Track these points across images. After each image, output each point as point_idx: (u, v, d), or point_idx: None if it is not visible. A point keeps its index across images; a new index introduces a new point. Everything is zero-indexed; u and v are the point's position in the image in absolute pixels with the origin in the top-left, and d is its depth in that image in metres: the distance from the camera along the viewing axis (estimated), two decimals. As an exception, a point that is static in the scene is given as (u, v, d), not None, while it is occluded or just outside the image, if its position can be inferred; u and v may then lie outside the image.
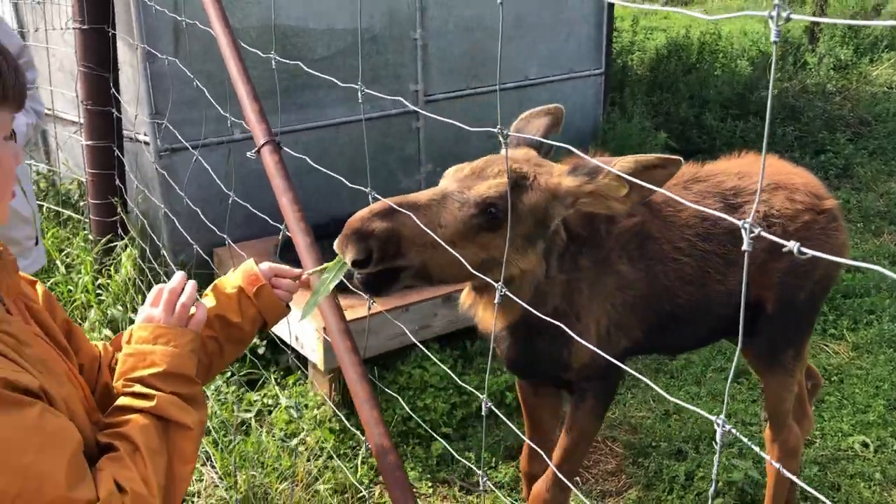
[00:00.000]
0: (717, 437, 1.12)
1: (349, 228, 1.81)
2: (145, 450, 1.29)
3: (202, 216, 3.11)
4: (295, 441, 3.51)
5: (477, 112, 5.38)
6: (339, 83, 2.23)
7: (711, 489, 1.22)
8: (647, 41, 9.49)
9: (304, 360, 3.97)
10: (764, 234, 0.94)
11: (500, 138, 1.57)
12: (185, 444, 1.35)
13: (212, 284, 1.71)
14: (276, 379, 3.93)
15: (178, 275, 1.52)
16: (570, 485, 1.87)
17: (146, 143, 4.32)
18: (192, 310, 1.49)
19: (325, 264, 1.81)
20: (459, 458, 2.39)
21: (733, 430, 1.06)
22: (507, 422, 1.96)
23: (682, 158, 1.88)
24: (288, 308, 1.76)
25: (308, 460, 3.30)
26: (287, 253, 3.98)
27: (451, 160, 5.46)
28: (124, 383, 1.38)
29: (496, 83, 5.41)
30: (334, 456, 3.40)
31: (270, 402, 3.78)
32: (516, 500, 3.31)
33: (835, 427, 3.65)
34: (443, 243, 1.85)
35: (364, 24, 4.72)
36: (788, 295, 2.59)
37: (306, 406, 3.76)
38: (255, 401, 3.74)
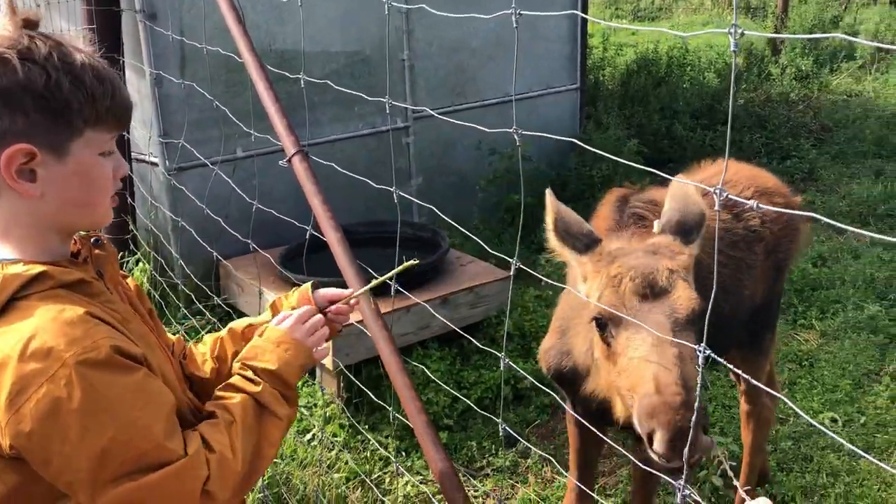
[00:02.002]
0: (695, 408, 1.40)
1: (684, 427, 1.66)
2: (241, 424, 1.51)
3: (224, 225, 3.34)
4: (308, 436, 3.75)
5: (463, 127, 5.67)
6: (365, 97, 2.47)
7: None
8: (617, 57, 9.88)
9: (310, 363, 4.20)
10: (732, 196, 1.22)
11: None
12: (274, 430, 1.56)
13: (270, 302, 1.91)
14: (284, 381, 4.16)
15: (310, 308, 1.74)
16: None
17: (153, 164, 4.55)
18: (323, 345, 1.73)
19: (373, 283, 1.91)
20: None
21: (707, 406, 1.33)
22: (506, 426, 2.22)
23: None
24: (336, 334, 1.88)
25: (321, 453, 3.54)
26: (290, 261, 4.24)
27: (438, 172, 5.76)
28: (241, 366, 1.61)
29: (479, 99, 5.73)
30: (345, 449, 3.64)
31: (281, 402, 4.00)
32: (515, 483, 3.57)
33: (806, 406, 3.96)
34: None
35: (355, 47, 5.02)
36: (772, 287, 2.91)
37: (316, 405, 3.99)
38: (266, 401, 3.97)
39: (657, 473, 1.74)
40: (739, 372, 1.47)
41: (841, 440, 3.52)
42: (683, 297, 1.87)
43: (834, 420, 3.85)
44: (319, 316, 1.74)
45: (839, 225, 1.17)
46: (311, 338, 1.69)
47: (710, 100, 8.21)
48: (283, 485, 3.22)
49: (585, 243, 2.07)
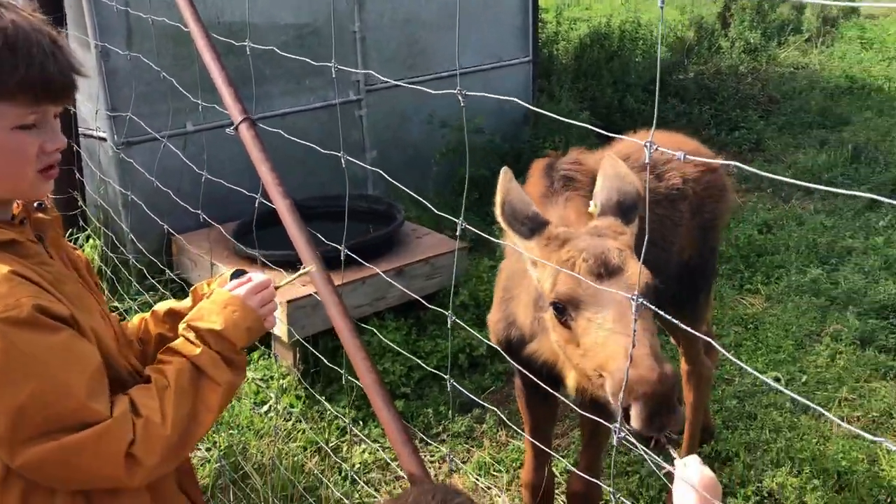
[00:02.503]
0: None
1: (666, 397, 1.70)
2: (174, 388, 1.50)
3: (175, 198, 3.32)
4: (265, 407, 3.77)
5: (416, 98, 5.69)
6: (312, 62, 2.48)
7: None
8: (570, 31, 9.94)
9: (265, 337, 4.21)
10: (662, 149, 1.28)
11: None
12: (211, 396, 1.54)
13: (192, 288, 1.88)
14: (240, 355, 4.16)
15: (266, 278, 1.72)
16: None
17: (101, 139, 4.48)
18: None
19: (295, 276, 1.88)
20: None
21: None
22: (459, 387, 2.27)
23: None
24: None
25: (277, 423, 3.56)
26: (244, 237, 4.22)
27: (393, 146, 5.77)
28: (184, 328, 1.60)
29: (431, 72, 5.73)
30: (303, 419, 3.67)
31: (237, 375, 4.00)
32: (471, 448, 3.64)
33: (751, 366, 4.09)
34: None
35: (306, 20, 4.98)
36: (703, 247, 3.01)
37: (272, 377, 4.01)
38: (222, 375, 3.97)
39: (605, 425, 1.80)
40: (683, 325, 1.52)
41: (783, 399, 3.61)
42: (637, 272, 1.87)
43: (777, 379, 3.99)
44: (272, 288, 1.72)
45: (754, 170, 1.23)
46: (262, 308, 1.67)
47: (661, 73, 8.32)
48: (239, 454, 3.24)
49: (531, 227, 2.06)
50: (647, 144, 1.28)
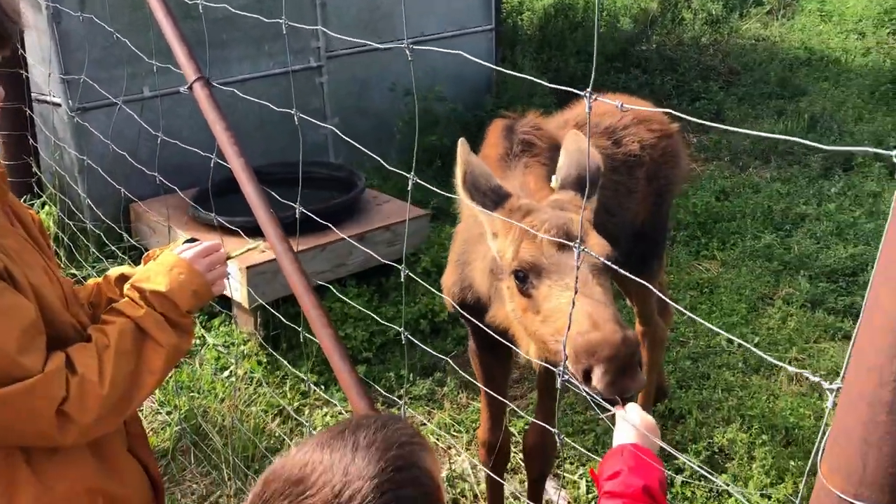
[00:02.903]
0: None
1: (630, 358, 1.73)
2: (115, 348, 1.48)
3: (132, 162, 3.29)
4: (226, 373, 3.78)
5: (378, 66, 5.66)
6: (264, 19, 2.46)
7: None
8: (535, 1, 9.92)
9: (226, 302, 4.21)
10: (602, 99, 1.31)
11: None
12: (154, 358, 1.53)
13: (145, 254, 1.87)
14: (201, 323, 4.16)
15: (216, 242, 1.72)
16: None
17: (55, 105, 4.41)
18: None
19: (244, 249, 1.87)
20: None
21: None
22: (421, 345, 2.29)
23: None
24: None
25: (239, 388, 3.58)
26: (203, 204, 4.19)
27: (355, 114, 5.74)
28: (129, 289, 1.59)
29: (393, 39, 5.70)
30: (264, 383, 3.69)
31: (198, 342, 4.00)
32: (431, 410, 3.69)
33: (705, 329, 4.19)
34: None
35: (264, -16, 4.91)
36: (656, 213, 3.07)
37: (233, 343, 4.01)
38: (183, 341, 3.97)
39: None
40: (639, 280, 1.56)
41: (736, 360, 3.70)
42: (598, 243, 1.94)
43: (730, 341, 4.10)
44: (222, 252, 1.71)
45: (699, 122, 1.27)
46: (211, 273, 1.66)
47: (624, 44, 8.37)
48: (200, 417, 3.26)
49: (494, 199, 2.06)
50: (587, 95, 1.31)
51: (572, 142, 2.19)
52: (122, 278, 1.81)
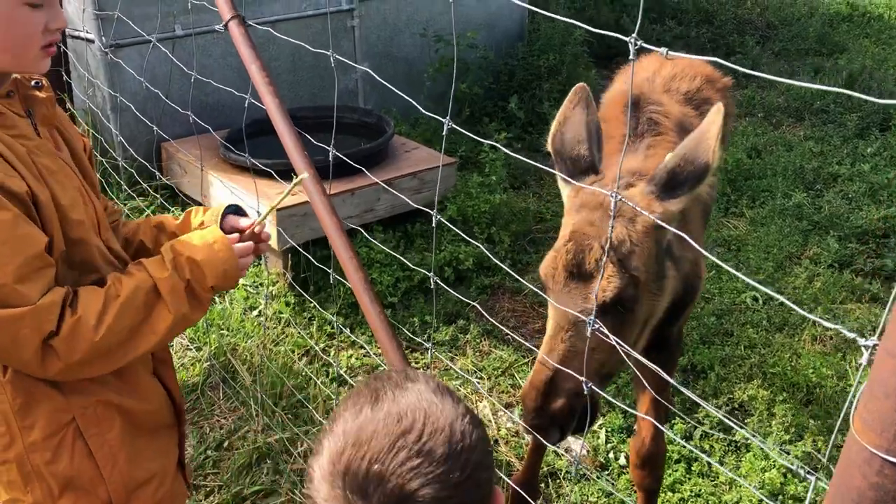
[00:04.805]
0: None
1: (535, 426, 1.79)
2: (123, 300, 1.51)
3: (167, 101, 3.31)
4: (255, 312, 3.84)
5: (410, 10, 5.59)
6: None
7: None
8: (570, -53, 9.69)
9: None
10: (643, 45, 1.30)
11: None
12: (160, 321, 1.55)
13: (187, 211, 1.87)
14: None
15: (250, 245, 1.70)
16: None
17: (89, 41, 4.42)
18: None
19: (291, 185, 1.77)
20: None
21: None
22: (449, 290, 2.31)
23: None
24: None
25: (267, 328, 3.65)
26: (236, 144, 4.22)
27: (385, 59, 5.70)
28: (167, 248, 1.60)
29: (427, -16, 5.61)
30: (292, 324, 3.75)
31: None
32: (454, 356, 3.75)
33: (731, 286, 4.19)
34: (607, 361, 1.82)
35: (298, -77, 4.84)
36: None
37: (262, 284, 4.08)
38: (212, 281, 4.04)
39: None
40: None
41: (760, 317, 3.68)
42: (602, 285, 1.76)
43: (755, 299, 4.09)
44: (251, 243, 1.71)
45: (735, 67, 1.26)
46: (242, 259, 1.68)
47: (660, -7, 8.19)
48: (229, 353, 3.33)
49: (570, 170, 1.92)
50: (632, 41, 1.30)
51: (706, 122, 1.81)
52: (161, 226, 1.84)
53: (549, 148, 1.97)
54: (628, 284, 1.77)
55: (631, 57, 1.31)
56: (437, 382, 1.04)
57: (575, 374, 1.73)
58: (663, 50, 1.26)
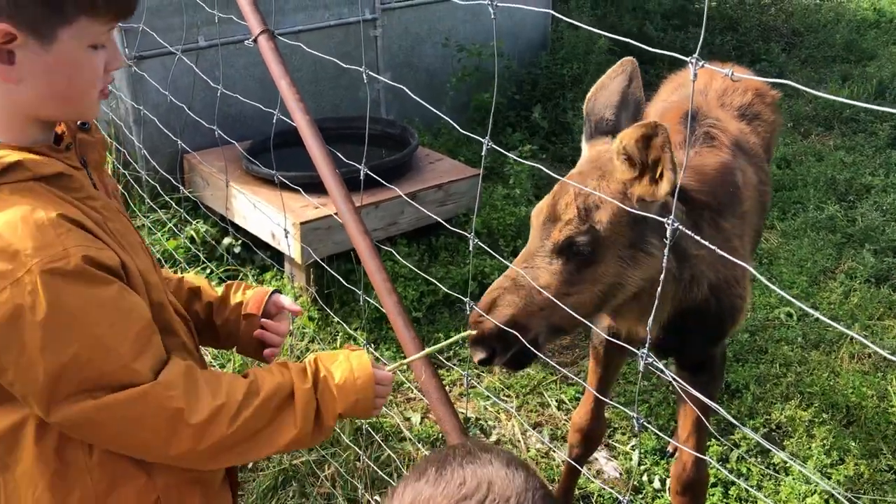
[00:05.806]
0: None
1: (469, 337, 1.88)
2: (264, 397, 1.39)
3: (189, 113, 3.26)
4: (278, 328, 3.78)
5: (432, 20, 5.54)
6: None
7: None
8: (591, -45, 9.61)
9: (278, 258, 4.21)
10: (708, 65, 1.22)
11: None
12: (283, 432, 1.42)
13: (226, 284, 1.79)
14: (253, 276, 4.17)
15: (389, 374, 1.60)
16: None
17: (111, 52, 4.39)
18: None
19: (451, 341, 1.96)
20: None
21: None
22: (475, 306, 2.25)
23: (666, 126, 1.76)
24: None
25: (291, 342, 3.59)
26: (258, 156, 4.17)
27: (407, 69, 5.65)
28: (311, 359, 1.51)
29: (450, -7, 5.55)
30: (316, 339, 3.69)
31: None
32: (480, 373, 3.67)
33: (764, 301, 4.08)
34: (556, 301, 1.83)
35: (321, -67, 4.80)
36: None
37: (284, 298, 4.02)
38: (235, 295, 3.99)
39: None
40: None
41: (795, 334, 3.59)
42: (559, 225, 1.91)
43: (789, 315, 3.99)
44: (391, 375, 1.62)
45: (803, 88, 1.18)
46: (377, 399, 1.58)
47: (682, 0, 8.08)
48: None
49: (591, 132, 2.05)
50: (693, 61, 1.23)
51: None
52: (197, 293, 1.74)
53: (585, 108, 2.08)
54: (584, 232, 1.87)
55: (691, 77, 1.23)
56: (512, 456, 0.98)
57: (519, 305, 1.87)
58: (728, 71, 1.18)
